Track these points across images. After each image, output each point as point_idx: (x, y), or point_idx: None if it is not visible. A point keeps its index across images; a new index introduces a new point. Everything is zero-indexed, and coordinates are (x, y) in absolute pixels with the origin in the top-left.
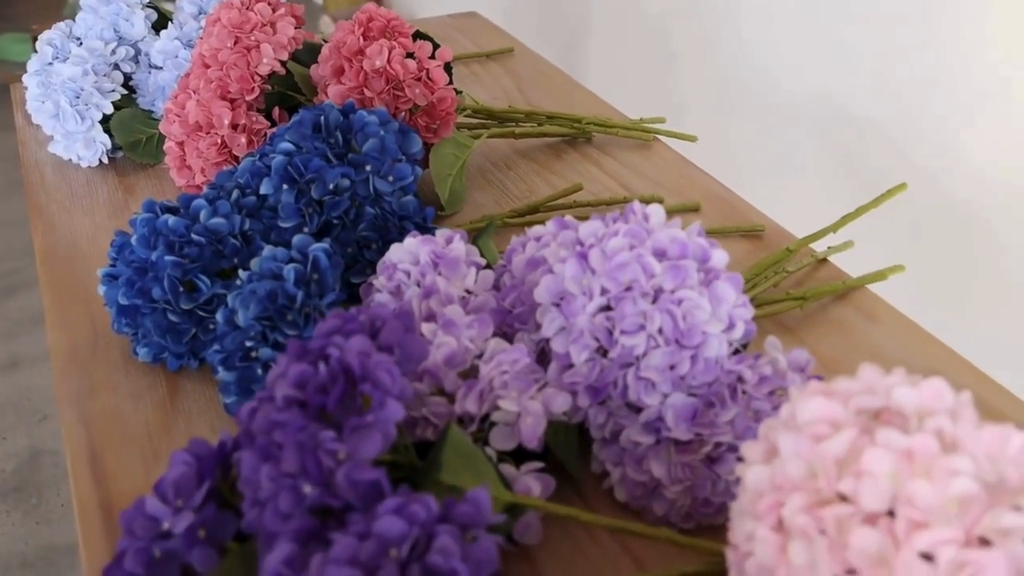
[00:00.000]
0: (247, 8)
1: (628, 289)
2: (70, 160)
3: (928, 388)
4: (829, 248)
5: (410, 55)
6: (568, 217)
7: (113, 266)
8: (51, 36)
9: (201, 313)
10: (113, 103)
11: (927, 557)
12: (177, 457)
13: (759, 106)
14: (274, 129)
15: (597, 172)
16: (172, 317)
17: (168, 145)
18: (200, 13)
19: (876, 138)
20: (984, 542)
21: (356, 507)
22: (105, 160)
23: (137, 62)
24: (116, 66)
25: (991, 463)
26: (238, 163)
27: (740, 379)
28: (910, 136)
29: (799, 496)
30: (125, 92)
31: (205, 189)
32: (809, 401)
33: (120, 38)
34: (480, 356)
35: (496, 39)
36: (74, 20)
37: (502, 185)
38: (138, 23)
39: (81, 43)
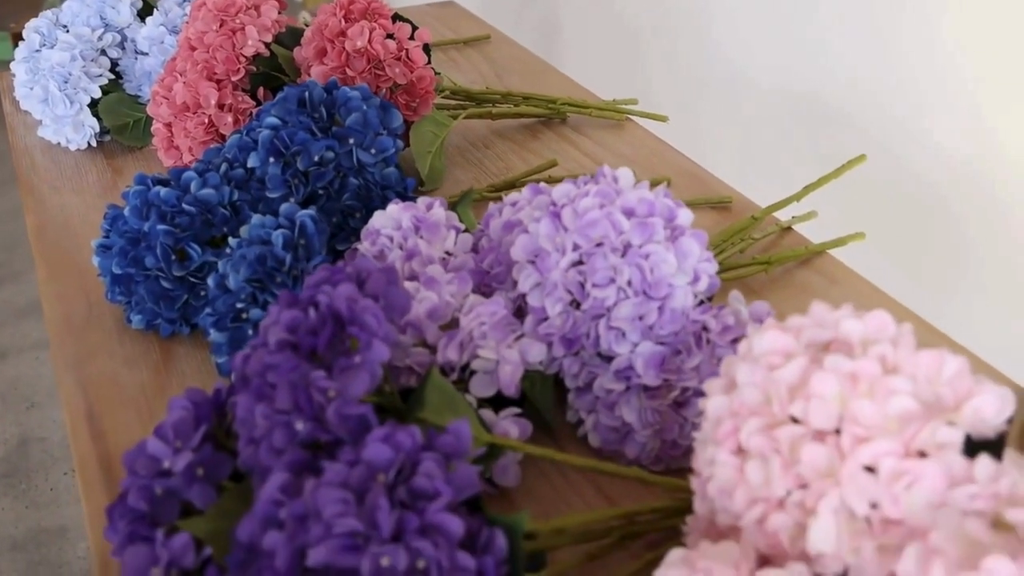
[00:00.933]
0: None
1: (599, 245)
2: (59, 144)
3: (872, 320)
4: (793, 217)
5: (390, 36)
6: (542, 184)
7: (107, 237)
8: (38, 24)
9: (192, 280)
10: (101, 87)
11: (870, 469)
12: (176, 403)
13: (727, 94)
14: (259, 107)
15: (572, 150)
16: (165, 284)
17: (156, 127)
18: (184, 0)
19: (842, 126)
20: (922, 454)
21: (346, 440)
22: (93, 143)
23: (123, 48)
24: (103, 52)
25: (928, 384)
26: (225, 142)
27: (705, 328)
28: (872, 120)
29: (755, 420)
30: (112, 77)
31: (195, 164)
32: (764, 335)
33: (106, 25)
34: (460, 311)
35: (473, 27)
36: (60, 8)
37: (480, 163)
38: (124, 10)
39: (68, 30)
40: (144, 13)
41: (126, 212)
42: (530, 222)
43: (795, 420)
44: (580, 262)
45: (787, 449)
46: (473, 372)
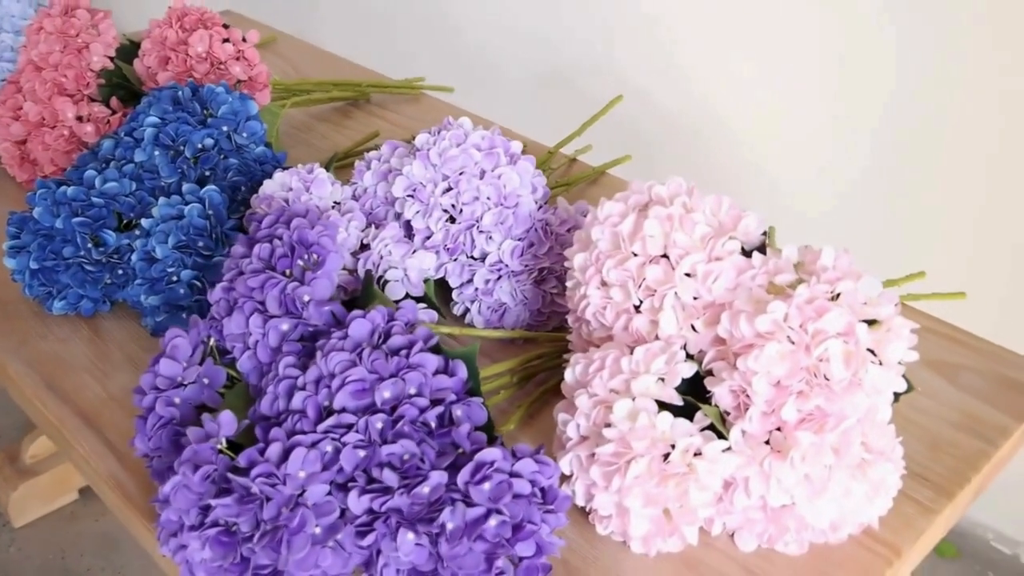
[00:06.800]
0: (68, 15)
1: (462, 173)
2: None
3: (671, 183)
4: (576, 151)
5: (225, 40)
6: (396, 140)
7: (16, 239)
8: None
9: (111, 261)
10: None
11: (689, 275)
12: (171, 333)
13: (502, 66)
14: (116, 115)
15: (381, 123)
16: (88, 268)
17: (4, 146)
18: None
19: (609, 84)
20: (718, 259)
21: (324, 331)
22: None
23: None
24: None
25: (714, 216)
26: (86, 150)
27: (547, 224)
28: (619, 81)
29: (611, 260)
30: None
31: (73, 169)
32: (605, 205)
33: None
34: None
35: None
36: None
37: (309, 143)
38: None
39: None
40: None
41: (35, 214)
42: (401, 166)
43: (635, 254)
44: (450, 188)
45: (636, 274)
46: (387, 282)
